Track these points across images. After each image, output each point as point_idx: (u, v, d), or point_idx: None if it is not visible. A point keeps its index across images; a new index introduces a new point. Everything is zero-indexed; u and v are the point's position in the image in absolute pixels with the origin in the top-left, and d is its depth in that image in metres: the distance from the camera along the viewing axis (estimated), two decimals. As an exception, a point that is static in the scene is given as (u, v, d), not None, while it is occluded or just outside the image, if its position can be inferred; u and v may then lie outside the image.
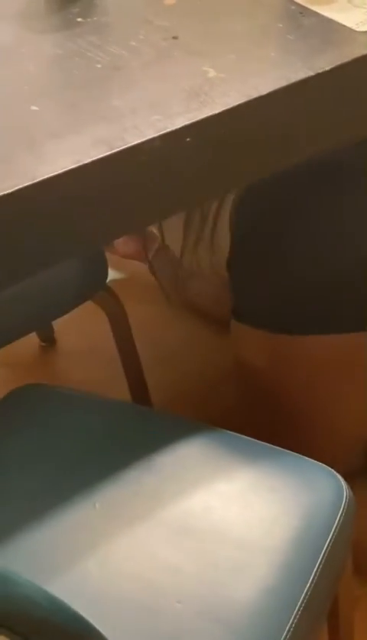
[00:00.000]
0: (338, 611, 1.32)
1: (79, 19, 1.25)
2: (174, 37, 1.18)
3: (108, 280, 2.15)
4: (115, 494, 1.10)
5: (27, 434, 1.19)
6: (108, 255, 2.12)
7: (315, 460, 1.15)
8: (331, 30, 1.19)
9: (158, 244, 1.74)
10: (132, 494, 1.10)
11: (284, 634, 0.98)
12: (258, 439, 1.18)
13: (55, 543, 1.05)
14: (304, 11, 1.20)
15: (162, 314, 2.09)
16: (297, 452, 1.17)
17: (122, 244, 2.01)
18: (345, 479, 1.28)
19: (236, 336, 1.45)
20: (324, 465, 1.12)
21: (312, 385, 1.43)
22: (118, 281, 2.25)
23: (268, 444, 1.15)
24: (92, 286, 1.50)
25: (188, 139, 1.07)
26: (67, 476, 1.11)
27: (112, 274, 2.17)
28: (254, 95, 1.10)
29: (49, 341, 2.01)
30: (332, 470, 1.12)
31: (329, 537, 1.06)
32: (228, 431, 1.16)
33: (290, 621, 0.99)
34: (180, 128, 1.06)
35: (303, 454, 1.16)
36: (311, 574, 1.03)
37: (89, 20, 1.25)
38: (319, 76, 1.13)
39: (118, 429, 1.18)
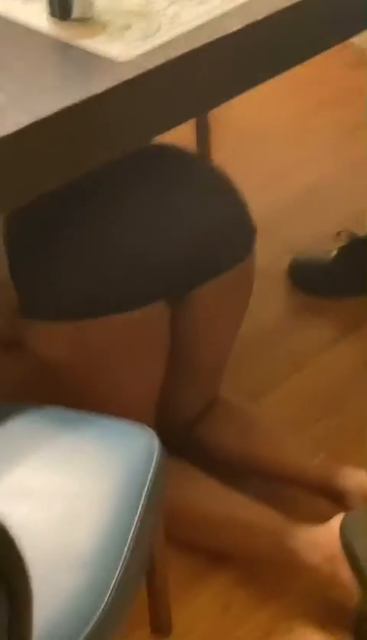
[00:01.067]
0: (154, 567, 1.53)
1: None
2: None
3: None
4: None
5: None
6: None
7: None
8: (95, 61, 1.40)
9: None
10: None
11: (119, 568, 1.16)
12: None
13: None
14: (71, 46, 1.40)
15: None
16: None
17: None
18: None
19: (31, 335, 1.61)
20: (136, 423, 1.31)
21: (107, 366, 1.62)
22: None
23: (85, 413, 1.33)
24: None
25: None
26: None
27: None
28: (40, 116, 1.29)
29: None
30: (144, 425, 1.31)
31: (147, 483, 1.25)
32: (48, 406, 1.33)
33: (124, 555, 1.17)
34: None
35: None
36: (136, 515, 1.22)
37: None
38: (91, 98, 1.34)
39: None
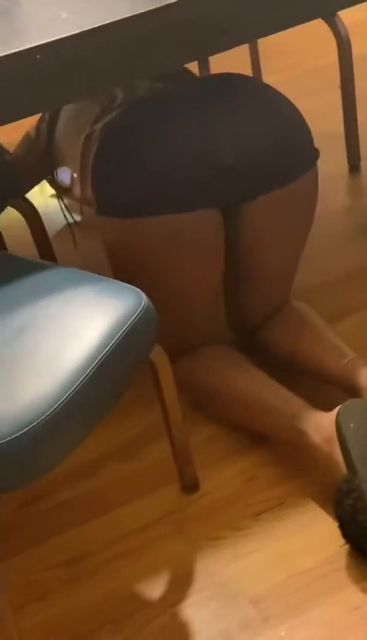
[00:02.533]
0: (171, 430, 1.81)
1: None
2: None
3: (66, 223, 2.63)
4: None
5: None
6: (68, 200, 2.61)
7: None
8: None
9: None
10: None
11: (76, 385, 1.47)
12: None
13: None
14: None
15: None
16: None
17: (78, 187, 2.48)
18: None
19: (99, 226, 1.94)
20: (133, 287, 1.60)
21: (153, 258, 1.90)
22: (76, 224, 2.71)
23: (96, 275, 1.65)
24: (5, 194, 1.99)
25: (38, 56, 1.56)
26: None
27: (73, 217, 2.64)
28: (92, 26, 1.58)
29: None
30: (138, 290, 1.60)
31: (127, 327, 1.54)
32: (67, 266, 1.67)
33: (84, 376, 1.48)
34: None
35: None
36: (106, 348, 1.52)
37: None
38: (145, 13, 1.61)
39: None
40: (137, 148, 1.85)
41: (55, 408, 1.44)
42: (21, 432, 1.42)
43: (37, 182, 2.36)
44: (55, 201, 2.60)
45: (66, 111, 2.12)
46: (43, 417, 1.43)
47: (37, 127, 2.21)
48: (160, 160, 1.83)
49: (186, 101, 1.89)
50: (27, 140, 2.24)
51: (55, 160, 2.13)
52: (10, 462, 1.44)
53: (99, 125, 1.96)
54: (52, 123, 2.17)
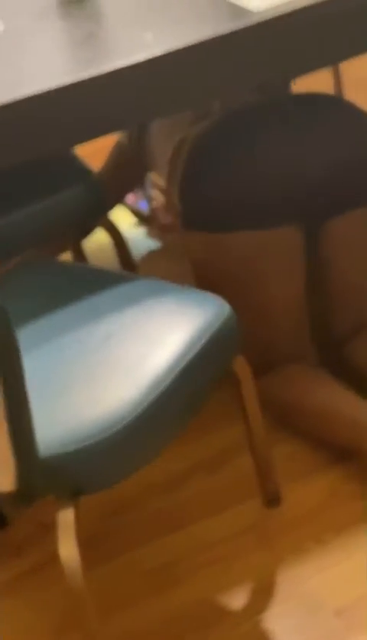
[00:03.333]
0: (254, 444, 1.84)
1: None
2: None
3: (148, 250, 2.69)
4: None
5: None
6: (148, 228, 2.66)
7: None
8: (234, 10, 1.73)
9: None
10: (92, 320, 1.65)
11: (159, 391, 1.51)
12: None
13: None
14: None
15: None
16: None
17: (162, 215, 2.55)
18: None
19: (185, 239, 1.99)
20: (216, 296, 1.64)
21: (236, 273, 1.93)
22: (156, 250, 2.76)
23: (179, 285, 1.71)
24: (94, 214, 2.05)
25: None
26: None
27: (152, 244, 2.70)
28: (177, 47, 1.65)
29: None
30: (220, 298, 1.64)
31: (209, 335, 1.58)
32: (152, 278, 1.74)
33: (167, 383, 1.52)
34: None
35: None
36: (189, 356, 1.56)
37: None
38: (224, 36, 1.67)
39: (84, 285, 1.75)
40: (227, 161, 1.90)
41: (137, 413, 1.47)
42: (103, 435, 1.46)
43: (126, 193, 2.42)
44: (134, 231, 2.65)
45: None
46: (125, 421, 1.47)
47: (129, 132, 2.27)
48: (250, 174, 1.88)
49: (277, 116, 1.93)
50: (118, 149, 2.30)
51: (145, 164, 2.18)
52: (92, 464, 1.48)
53: (193, 131, 2.00)
54: (144, 126, 2.22)
